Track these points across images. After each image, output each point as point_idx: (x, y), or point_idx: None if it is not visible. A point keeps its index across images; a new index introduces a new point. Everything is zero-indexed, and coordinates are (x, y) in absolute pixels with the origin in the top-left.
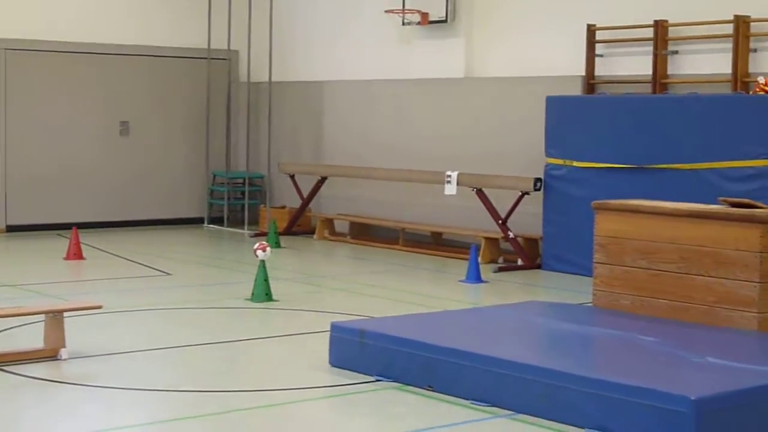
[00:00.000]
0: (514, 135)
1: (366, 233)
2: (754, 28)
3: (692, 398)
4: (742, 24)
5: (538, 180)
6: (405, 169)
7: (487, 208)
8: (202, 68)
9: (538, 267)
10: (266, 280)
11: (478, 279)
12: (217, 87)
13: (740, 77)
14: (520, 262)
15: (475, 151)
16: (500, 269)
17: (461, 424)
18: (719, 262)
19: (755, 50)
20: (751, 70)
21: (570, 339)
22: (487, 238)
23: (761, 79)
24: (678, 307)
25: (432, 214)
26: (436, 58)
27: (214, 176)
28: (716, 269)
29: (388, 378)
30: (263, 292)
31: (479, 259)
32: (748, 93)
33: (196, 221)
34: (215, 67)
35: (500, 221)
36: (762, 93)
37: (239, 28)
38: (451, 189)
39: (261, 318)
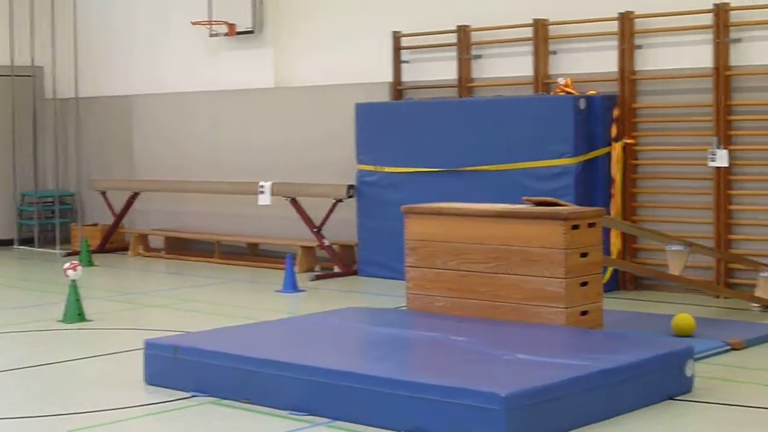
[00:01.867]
0: (326, 143)
1: (182, 247)
2: (553, 30)
3: (502, 395)
4: (541, 27)
5: (350, 187)
6: (219, 181)
7: (302, 217)
8: (6, 85)
9: (355, 273)
10: (78, 300)
11: (294, 288)
12: (22, 104)
13: (541, 79)
14: (336, 269)
15: (288, 160)
16: (317, 277)
17: None
18: (526, 260)
19: (555, 52)
20: (551, 71)
21: (385, 343)
22: (303, 247)
23: (561, 80)
24: (488, 306)
25: (248, 225)
26: (245, 69)
27: (23, 196)
28: (524, 267)
29: (204, 393)
30: (75, 313)
31: (296, 269)
32: (549, 93)
33: (5, 243)
34: (19, 84)
35: (315, 229)
36: (562, 93)
37: (43, 44)
38: (265, 199)
39: (74, 339)
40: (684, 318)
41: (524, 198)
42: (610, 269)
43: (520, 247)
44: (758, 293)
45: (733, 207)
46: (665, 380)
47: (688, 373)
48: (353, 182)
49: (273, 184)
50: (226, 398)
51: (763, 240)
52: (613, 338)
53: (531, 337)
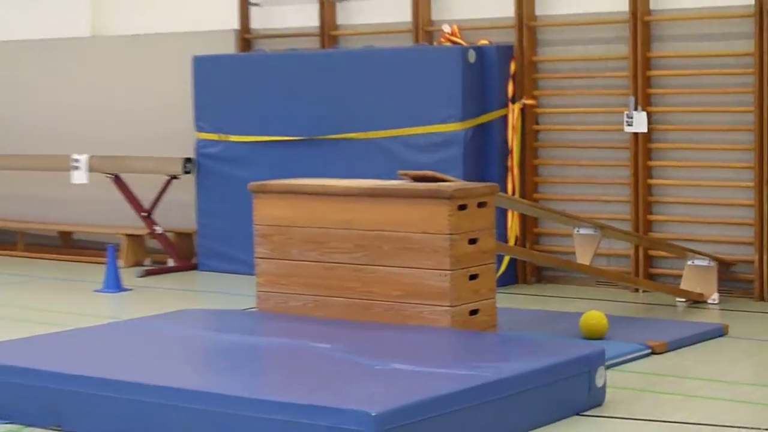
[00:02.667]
0: (157, 107)
1: None
2: None
3: (373, 414)
4: None
5: (188, 161)
6: (21, 154)
7: (128, 199)
8: None
9: (194, 267)
10: None
11: (118, 287)
12: None
13: (422, 26)
14: (171, 262)
15: (110, 128)
16: (147, 273)
17: None
18: (403, 249)
19: None
20: (434, 17)
21: (229, 353)
22: (129, 236)
23: (446, 28)
24: (358, 305)
25: (58, 210)
26: (54, 13)
27: None
28: (400, 257)
29: (5, 420)
30: None
31: (119, 263)
32: (432, 44)
33: None
34: None
35: (144, 214)
36: (448, 43)
37: None
38: (80, 177)
39: None
40: (594, 316)
41: (400, 172)
42: (506, 259)
43: (395, 232)
44: (684, 286)
45: (653, 181)
46: (571, 392)
47: (599, 382)
48: (191, 155)
49: (90, 158)
50: (32, 425)
51: (689, 222)
52: (508, 342)
53: (409, 342)
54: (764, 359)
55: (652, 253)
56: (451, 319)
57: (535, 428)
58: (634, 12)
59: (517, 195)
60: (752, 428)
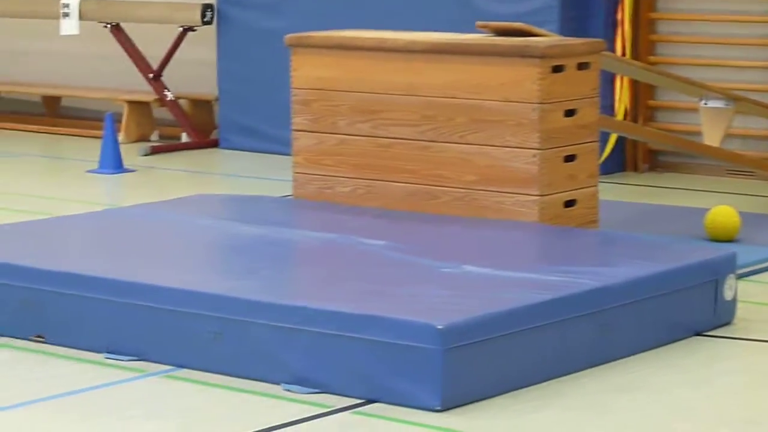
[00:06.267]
0: None
1: None
2: None
3: (438, 327)
4: None
5: (207, 7)
6: None
7: (130, 55)
8: None
9: (214, 144)
10: None
11: (118, 167)
12: None
13: None
14: (185, 137)
15: None
16: (154, 150)
17: (86, 390)
18: (480, 121)
19: None
20: None
21: (258, 250)
22: (131, 103)
23: None
24: (422, 193)
25: (43, 68)
26: None
27: None
28: (476, 132)
29: None
30: None
31: (120, 137)
32: None
33: None
34: None
35: (151, 75)
36: None
37: None
38: (71, 26)
39: None
40: (724, 213)
41: (479, 24)
42: (612, 138)
43: (470, 100)
44: None
45: None
46: (693, 307)
47: (728, 295)
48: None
49: (82, 1)
50: (8, 335)
51: None
52: (613, 242)
53: (485, 240)
54: None
55: None
56: (539, 212)
57: (648, 350)
58: None
59: (628, 56)
60: None
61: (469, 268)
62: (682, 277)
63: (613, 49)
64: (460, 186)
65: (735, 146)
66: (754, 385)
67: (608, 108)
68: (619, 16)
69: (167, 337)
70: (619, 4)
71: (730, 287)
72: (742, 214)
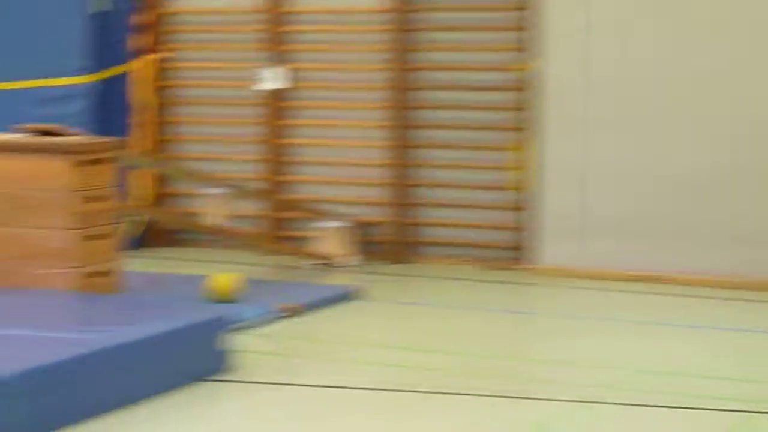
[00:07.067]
0: None
1: None
2: None
3: None
4: None
5: None
6: None
7: None
8: None
9: None
10: None
11: None
12: None
13: None
14: None
15: None
16: None
17: None
18: (21, 207)
19: None
20: None
21: None
22: None
23: None
24: None
25: None
26: None
27: None
28: (17, 217)
29: None
30: None
31: None
32: None
33: None
34: None
35: None
36: None
37: None
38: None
39: None
40: (223, 279)
41: (19, 126)
42: (134, 219)
43: (11, 190)
44: (318, 247)
45: (287, 140)
46: (192, 357)
47: (224, 346)
48: None
49: None
50: None
51: (322, 182)
52: (127, 305)
53: (19, 306)
54: (396, 322)
55: (285, 214)
56: (69, 282)
57: (153, 396)
58: None
59: (147, 152)
60: (379, 389)
61: (12, 331)
62: (184, 333)
63: (134, 147)
64: (5, 262)
65: (234, 224)
66: (252, 419)
67: (131, 195)
68: (138, 120)
69: None
70: (140, 110)
71: (225, 340)
72: (239, 279)
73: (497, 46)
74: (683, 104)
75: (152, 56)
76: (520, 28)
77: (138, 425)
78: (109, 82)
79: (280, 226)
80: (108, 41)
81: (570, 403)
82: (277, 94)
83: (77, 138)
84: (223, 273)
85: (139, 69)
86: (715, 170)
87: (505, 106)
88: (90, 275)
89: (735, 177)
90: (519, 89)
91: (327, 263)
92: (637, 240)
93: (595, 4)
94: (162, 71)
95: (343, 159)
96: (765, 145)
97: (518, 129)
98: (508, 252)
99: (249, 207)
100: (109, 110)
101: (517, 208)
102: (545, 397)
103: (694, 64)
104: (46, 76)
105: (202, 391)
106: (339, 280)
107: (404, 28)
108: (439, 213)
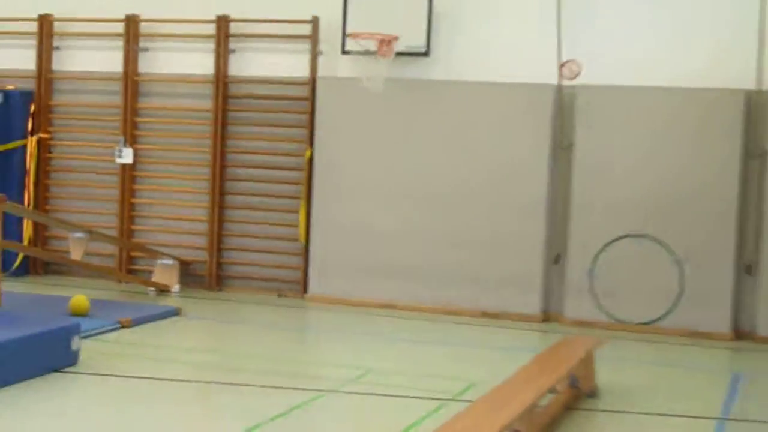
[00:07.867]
0: None
1: None
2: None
3: None
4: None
5: None
6: None
7: None
8: None
9: None
10: None
11: None
12: None
13: None
14: None
15: None
16: None
17: None
18: None
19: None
20: None
21: None
22: None
23: None
24: None
25: None
26: None
27: None
28: None
29: None
30: None
31: None
32: None
33: None
34: None
35: None
36: None
37: None
38: None
39: None
40: (79, 299)
41: None
42: (21, 254)
43: None
44: (155, 279)
45: (135, 200)
46: (51, 354)
47: (74, 347)
48: None
49: None
50: None
51: (160, 231)
52: (4, 316)
53: None
54: (207, 333)
55: (133, 254)
56: None
57: (20, 382)
58: (126, 72)
59: (31, 207)
60: (185, 381)
61: None
62: (45, 336)
63: (23, 203)
64: None
65: (95, 260)
66: (92, 400)
67: (18, 236)
68: (26, 182)
69: None
70: (27, 175)
71: (76, 343)
72: (93, 300)
73: (288, 138)
74: (403, 183)
75: (36, 136)
76: (302, 127)
77: (10, 396)
78: (5, 154)
79: (128, 262)
80: (7, 124)
81: (322, 391)
82: (128, 166)
83: None
84: (79, 295)
85: (27, 145)
86: (416, 227)
87: (293, 180)
88: None
89: (424, 231)
90: (302, 169)
91: (161, 290)
92: (378, 277)
93: (351, 111)
94: (43, 147)
95: (174, 215)
96: (438, 212)
97: (301, 198)
98: (292, 285)
99: (105, 247)
100: (5, 175)
101: (299, 253)
102: (305, 387)
103: (408, 162)
104: None
105: (57, 380)
106: (168, 303)
107: (223, 123)
108: (245, 255)
